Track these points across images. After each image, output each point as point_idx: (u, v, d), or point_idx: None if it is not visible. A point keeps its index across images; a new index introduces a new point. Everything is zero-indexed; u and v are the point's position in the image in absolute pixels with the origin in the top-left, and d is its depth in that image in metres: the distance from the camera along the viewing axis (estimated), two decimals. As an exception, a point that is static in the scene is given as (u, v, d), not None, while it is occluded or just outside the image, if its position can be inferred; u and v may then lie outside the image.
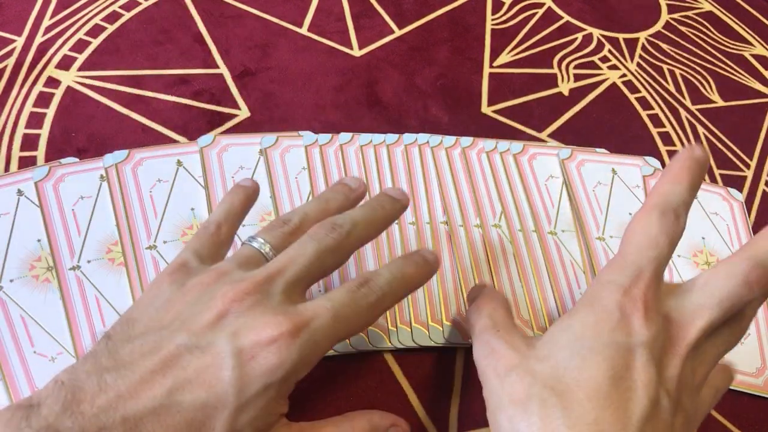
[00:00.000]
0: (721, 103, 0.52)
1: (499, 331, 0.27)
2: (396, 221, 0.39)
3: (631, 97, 0.51)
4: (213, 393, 0.21)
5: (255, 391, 0.22)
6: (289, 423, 0.24)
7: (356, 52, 0.49)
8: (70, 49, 0.45)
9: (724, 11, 0.61)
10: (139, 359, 0.22)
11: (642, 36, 0.57)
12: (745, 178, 0.47)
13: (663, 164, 0.46)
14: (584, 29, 0.56)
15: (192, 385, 0.21)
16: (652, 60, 0.54)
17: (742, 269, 0.24)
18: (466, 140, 0.43)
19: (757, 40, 0.58)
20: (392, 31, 0.52)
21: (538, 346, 0.25)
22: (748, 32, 0.59)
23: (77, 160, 0.38)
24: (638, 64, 0.54)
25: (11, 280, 0.33)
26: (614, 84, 0.52)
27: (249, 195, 0.31)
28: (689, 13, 0.60)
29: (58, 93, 0.43)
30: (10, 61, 0.44)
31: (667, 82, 0.53)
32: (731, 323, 0.25)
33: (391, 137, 0.42)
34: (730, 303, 0.24)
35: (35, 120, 0.41)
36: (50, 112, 0.42)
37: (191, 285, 0.25)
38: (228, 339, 0.22)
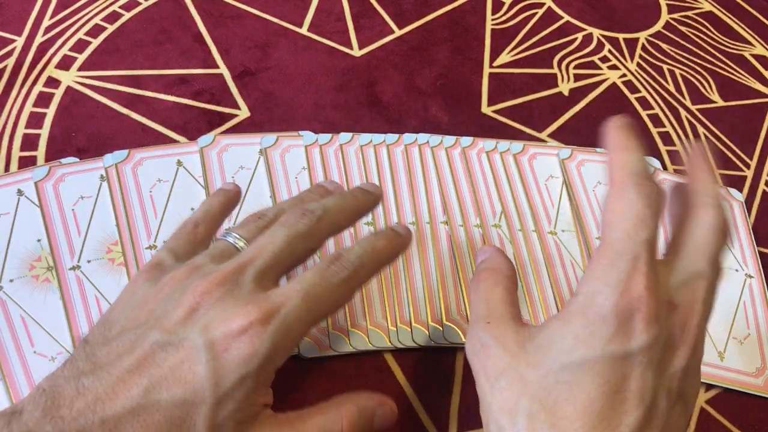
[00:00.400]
0: (721, 103, 0.52)
1: (490, 324, 0.26)
2: (396, 223, 0.39)
3: (631, 97, 0.51)
4: (189, 389, 0.21)
5: (231, 383, 0.21)
6: (275, 414, 0.24)
7: (356, 52, 0.49)
8: (70, 49, 0.45)
9: (724, 11, 0.61)
10: (115, 360, 0.22)
11: (642, 36, 0.57)
12: (745, 178, 0.47)
13: (663, 164, 0.46)
14: (584, 29, 0.56)
15: (168, 383, 0.21)
16: (652, 60, 0.54)
17: (715, 220, 0.24)
18: (466, 140, 0.43)
19: (757, 40, 0.58)
20: (392, 31, 0.52)
21: (530, 350, 0.24)
22: (748, 32, 0.59)
23: (77, 160, 0.38)
24: (638, 64, 0.54)
25: (11, 280, 0.33)
26: (614, 84, 0.52)
27: (230, 198, 0.31)
28: (689, 13, 0.60)
29: (58, 93, 0.43)
30: (10, 61, 0.44)
31: (667, 82, 0.53)
32: None
33: (391, 137, 0.42)
34: (720, 260, 0.24)
35: (35, 120, 0.41)
36: (50, 112, 0.42)
37: (164, 282, 0.25)
38: (200, 333, 0.22)
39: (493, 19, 0.55)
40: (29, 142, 0.40)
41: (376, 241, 0.27)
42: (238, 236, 0.27)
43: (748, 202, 0.45)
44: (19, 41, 0.45)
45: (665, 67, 0.54)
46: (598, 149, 0.45)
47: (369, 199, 0.30)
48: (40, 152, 0.39)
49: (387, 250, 0.27)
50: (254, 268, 0.24)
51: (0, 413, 0.21)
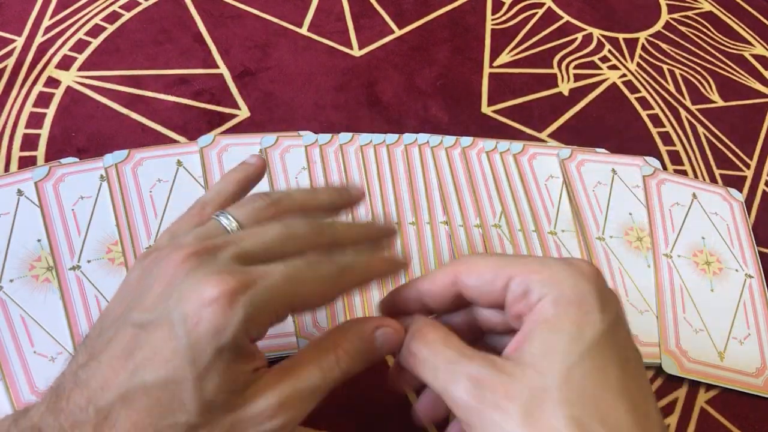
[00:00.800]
0: (721, 103, 0.52)
1: (466, 362, 0.23)
2: (396, 223, 0.39)
3: (631, 97, 0.51)
4: (171, 367, 0.20)
5: (209, 357, 0.20)
6: (269, 369, 0.23)
7: (356, 52, 0.49)
8: (70, 49, 0.45)
9: (724, 11, 0.61)
10: (105, 349, 0.21)
11: (642, 36, 0.57)
12: (745, 178, 0.47)
13: (663, 164, 0.46)
14: (584, 29, 0.56)
15: (152, 363, 0.21)
16: (652, 60, 0.54)
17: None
18: (466, 140, 0.43)
19: (757, 40, 0.58)
20: (392, 31, 0.52)
21: (526, 365, 0.22)
22: (748, 32, 0.59)
23: (77, 160, 0.38)
24: (638, 64, 0.54)
25: (11, 280, 0.33)
26: (614, 84, 0.52)
27: (248, 174, 0.29)
28: (689, 13, 0.60)
29: (58, 93, 0.43)
30: (10, 61, 0.44)
31: (667, 82, 0.53)
32: None
33: (391, 137, 0.42)
34: None
35: (35, 120, 0.41)
36: (50, 112, 0.42)
37: (149, 261, 0.24)
38: (174, 306, 0.21)
39: (493, 19, 0.55)
40: (29, 142, 0.40)
41: (374, 257, 0.26)
42: (231, 218, 0.25)
43: (748, 202, 0.45)
44: (19, 41, 0.45)
45: (665, 67, 0.54)
46: (598, 149, 0.45)
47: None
48: (40, 152, 0.39)
49: (376, 269, 0.26)
50: (237, 248, 0.23)
51: (14, 412, 0.21)
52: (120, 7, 0.49)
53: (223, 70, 0.46)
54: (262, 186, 0.39)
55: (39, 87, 0.43)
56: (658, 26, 0.58)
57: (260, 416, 0.21)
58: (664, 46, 0.56)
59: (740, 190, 0.45)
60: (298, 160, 0.40)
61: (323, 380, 0.23)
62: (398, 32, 0.52)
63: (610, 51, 0.54)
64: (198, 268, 0.22)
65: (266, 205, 0.26)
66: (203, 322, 0.20)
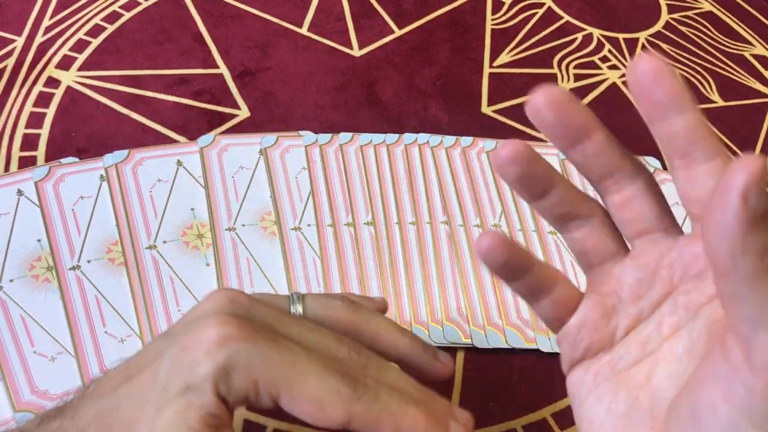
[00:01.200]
0: (721, 103, 0.52)
1: None
2: (396, 223, 0.39)
3: (631, 97, 0.51)
4: (143, 387, 0.20)
5: (175, 390, 0.20)
6: None
7: (356, 52, 0.49)
8: (70, 49, 0.45)
9: (724, 11, 0.61)
10: (118, 367, 0.23)
11: (642, 36, 0.57)
12: (745, 178, 0.47)
13: (663, 164, 0.46)
14: (584, 29, 0.56)
15: (132, 381, 0.21)
16: (652, 60, 0.54)
17: None
18: (466, 140, 0.43)
19: (757, 40, 0.58)
20: (392, 31, 0.52)
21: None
22: (748, 32, 0.59)
23: (77, 160, 0.38)
24: (638, 64, 0.54)
25: (11, 280, 0.33)
26: (614, 84, 0.52)
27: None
28: (689, 13, 0.60)
29: (58, 93, 0.43)
30: (10, 61, 0.44)
31: (667, 82, 0.53)
32: None
33: (391, 137, 0.42)
34: None
35: (35, 120, 0.41)
36: (50, 112, 0.42)
37: None
38: (178, 339, 0.21)
39: (493, 19, 0.55)
40: (29, 142, 0.40)
41: (410, 408, 0.21)
42: (300, 303, 0.24)
43: (748, 202, 0.45)
44: (19, 41, 0.45)
45: (665, 67, 0.54)
46: (598, 149, 0.45)
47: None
48: (40, 152, 0.39)
49: (410, 428, 0.21)
50: (276, 319, 0.22)
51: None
52: (120, 7, 0.49)
53: (223, 70, 0.46)
54: (262, 185, 0.39)
55: (39, 87, 0.43)
56: (658, 26, 0.58)
57: None
58: (664, 46, 0.56)
59: (740, 190, 0.45)
60: (298, 160, 0.40)
61: None
62: (398, 32, 0.52)
63: (610, 51, 0.54)
64: (220, 315, 0.21)
65: (341, 307, 0.25)
66: (187, 354, 0.20)
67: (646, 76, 0.20)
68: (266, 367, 0.20)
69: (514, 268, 0.22)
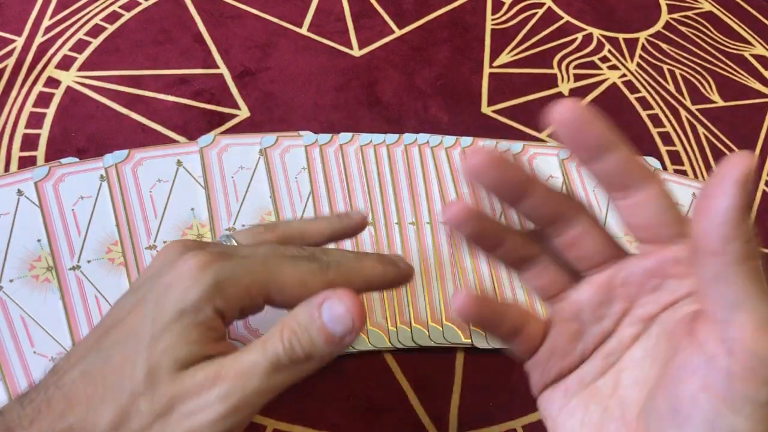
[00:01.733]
0: (721, 103, 0.52)
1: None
2: (396, 223, 0.39)
3: (631, 97, 0.51)
4: (134, 324, 0.21)
5: (169, 317, 0.21)
6: (222, 356, 0.22)
7: (356, 52, 0.49)
8: (70, 49, 0.45)
9: (724, 11, 0.61)
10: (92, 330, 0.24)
11: (642, 36, 0.57)
12: (745, 178, 0.47)
13: (663, 164, 0.46)
14: (584, 29, 0.56)
15: (120, 324, 0.22)
16: (652, 60, 0.54)
17: None
18: (466, 140, 0.43)
19: (757, 40, 0.58)
20: (392, 31, 0.52)
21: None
22: (748, 32, 0.59)
23: (77, 160, 0.38)
24: (638, 64, 0.54)
25: (11, 280, 0.33)
26: (614, 84, 0.52)
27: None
28: (689, 13, 0.60)
29: (58, 93, 0.43)
30: (10, 61, 0.44)
31: (667, 82, 0.53)
32: None
33: (391, 137, 0.42)
34: None
35: (35, 120, 0.41)
36: (50, 112, 0.42)
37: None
38: (157, 281, 0.22)
39: (493, 19, 0.55)
40: (29, 142, 0.40)
41: (365, 259, 0.25)
42: (234, 240, 0.26)
43: (748, 202, 0.45)
44: (19, 41, 0.45)
45: (665, 67, 0.54)
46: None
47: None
48: (40, 152, 0.39)
49: (372, 272, 0.25)
50: (226, 248, 0.24)
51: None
52: (120, 7, 0.49)
53: (223, 70, 0.46)
54: (262, 185, 0.39)
55: (39, 87, 0.43)
56: (658, 26, 0.58)
57: (193, 390, 0.20)
58: (664, 46, 0.56)
59: (740, 190, 0.45)
60: (298, 160, 0.40)
61: (265, 357, 0.21)
62: (398, 32, 0.52)
63: (610, 51, 0.54)
64: (186, 253, 0.23)
65: (264, 230, 0.27)
66: (172, 288, 0.21)
67: (573, 124, 0.21)
68: (250, 274, 0.22)
69: (487, 319, 0.24)
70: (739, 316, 0.17)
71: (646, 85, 0.52)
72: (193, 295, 0.21)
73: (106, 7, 0.48)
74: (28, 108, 0.42)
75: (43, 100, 0.42)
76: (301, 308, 0.22)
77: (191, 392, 0.20)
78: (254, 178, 0.39)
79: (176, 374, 0.20)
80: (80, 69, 0.44)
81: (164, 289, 0.21)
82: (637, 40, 0.56)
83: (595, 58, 0.54)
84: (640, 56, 0.55)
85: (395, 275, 0.26)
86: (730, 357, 0.17)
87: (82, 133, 0.41)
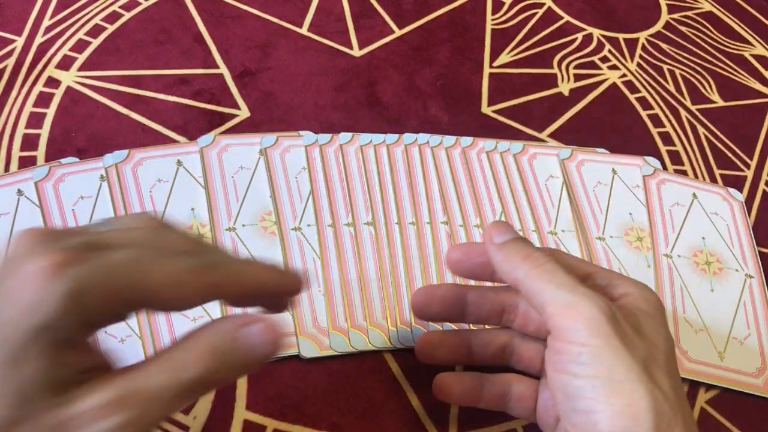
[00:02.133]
0: (721, 103, 0.52)
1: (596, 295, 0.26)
2: (396, 223, 0.39)
3: (631, 97, 0.51)
4: None
5: (22, 337, 0.17)
6: (111, 371, 0.19)
7: (356, 52, 0.49)
8: (70, 49, 0.45)
9: (724, 11, 0.61)
10: None
11: (642, 36, 0.57)
12: (745, 178, 0.47)
13: (663, 164, 0.46)
14: (584, 29, 0.56)
15: None
16: (652, 60, 0.54)
17: None
18: (466, 140, 0.43)
19: (757, 40, 0.58)
20: (392, 31, 0.52)
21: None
22: (748, 32, 0.59)
23: (77, 160, 0.38)
24: (638, 64, 0.54)
25: (11, 280, 0.33)
26: (614, 84, 0.52)
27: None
28: (689, 13, 0.60)
29: (58, 93, 0.43)
30: (10, 61, 0.44)
31: (667, 82, 0.53)
32: None
33: (391, 137, 0.42)
34: None
35: (35, 120, 0.41)
36: (50, 112, 0.42)
37: None
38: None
39: (493, 19, 0.55)
40: (29, 142, 0.40)
41: (253, 262, 0.22)
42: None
43: (748, 202, 0.45)
44: (19, 41, 0.45)
45: (665, 67, 0.54)
46: (598, 149, 0.45)
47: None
48: (40, 152, 0.39)
49: (259, 277, 0.22)
50: (89, 236, 0.20)
51: None
52: (120, 7, 0.49)
53: (223, 70, 0.46)
54: (262, 185, 0.39)
55: (39, 87, 0.43)
56: (658, 26, 0.58)
57: (91, 415, 0.18)
58: (664, 46, 0.56)
59: (740, 190, 0.45)
60: (298, 160, 0.40)
61: (172, 379, 0.19)
62: (398, 32, 0.52)
63: (610, 51, 0.54)
64: (36, 247, 0.19)
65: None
66: (19, 296, 0.18)
67: (460, 265, 0.30)
68: (114, 277, 0.19)
69: (468, 394, 0.30)
70: (545, 295, 0.25)
71: (646, 85, 0.52)
72: (48, 308, 0.17)
73: (106, 7, 0.48)
74: (28, 108, 0.42)
75: (43, 100, 0.42)
76: (220, 329, 0.20)
77: (84, 418, 0.18)
78: (254, 178, 0.39)
79: (58, 399, 0.18)
80: (80, 69, 0.44)
81: (8, 299, 0.18)
82: (637, 40, 0.56)
83: (595, 58, 0.54)
84: (640, 56, 0.55)
85: (282, 286, 0.23)
86: (553, 338, 0.25)
87: (83, 133, 0.41)
